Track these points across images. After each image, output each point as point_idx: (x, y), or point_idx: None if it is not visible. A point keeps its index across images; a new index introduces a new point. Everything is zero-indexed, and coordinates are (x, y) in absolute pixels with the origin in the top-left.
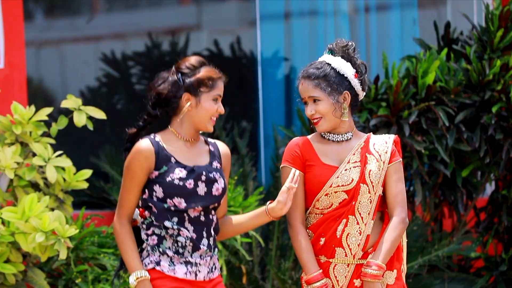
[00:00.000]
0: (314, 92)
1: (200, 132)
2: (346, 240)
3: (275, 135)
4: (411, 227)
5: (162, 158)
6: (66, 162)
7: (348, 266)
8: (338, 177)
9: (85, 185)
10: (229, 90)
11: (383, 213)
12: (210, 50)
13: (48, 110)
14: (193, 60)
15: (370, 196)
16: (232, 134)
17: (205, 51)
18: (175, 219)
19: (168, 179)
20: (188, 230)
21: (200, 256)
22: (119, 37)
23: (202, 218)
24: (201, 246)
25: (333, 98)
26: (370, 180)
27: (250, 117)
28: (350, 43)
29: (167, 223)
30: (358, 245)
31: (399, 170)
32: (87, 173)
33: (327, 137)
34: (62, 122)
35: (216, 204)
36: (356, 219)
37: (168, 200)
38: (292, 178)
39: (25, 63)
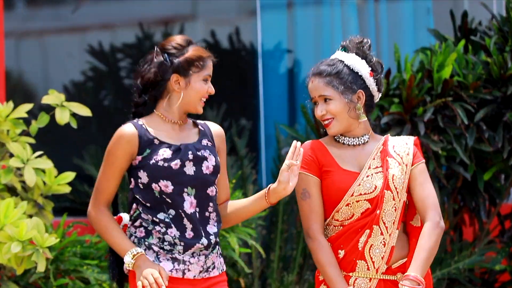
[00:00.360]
0: (326, 91)
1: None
2: (369, 253)
3: (277, 134)
4: None
5: (145, 142)
6: (47, 163)
7: (370, 281)
8: (360, 184)
9: (67, 190)
10: (227, 85)
11: (405, 224)
12: (206, 42)
13: (28, 106)
14: (179, 39)
15: (394, 204)
16: (230, 133)
17: (201, 43)
18: (173, 212)
19: (152, 161)
20: (182, 229)
21: (193, 254)
22: (107, 28)
23: (198, 216)
24: (197, 244)
25: (346, 97)
26: (394, 185)
27: (249, 114)
28: (365, 40)
29: (161, 216)
30: (382, 257)
31: (424, 171)
32: (69, 176)
33: (342, 141)
34: (43, 119)
35: (211, 188)
36: (381, 229)
37: (154, 185)
38: (293, 153)
39: (3, 55)
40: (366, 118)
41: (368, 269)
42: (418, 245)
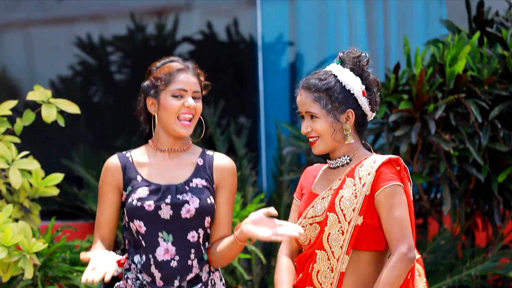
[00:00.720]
0: (312, 107)
1: (190, 140)
2: (317, 279)
3: (278, 133)
4: (438, 242)
5: (129, 176)
6: (33, 164)
7: None
8: (313, 206)
9: (55, 192)
10: (225, 81)
11: (376, 254)
12: (202, 34)
13: (12, 103)
14: (160, 61)
15: (341, 227)
16: (228, 132)
17: (196, 35)
18: (139, 258)
19: (129, 199)
20: (152, 277)
21: None
22: (97, 19)
23: (174, 264)
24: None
25: (333, 117)
26: (340, 207)
27: (249, 112)
28: (363, 54)
29: (136, 258)
30: (331, 284)
31: (391, 195)
32: (57, 177)
33: (328, 162)
34: (29, 117)
35: (192, 233)
36: (327, 254)
37: (131, 224)
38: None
39: None
40: (353, 140)
41: None
42: (378, 279)
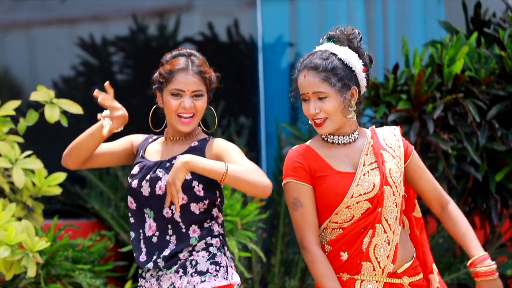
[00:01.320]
0: (321, 87)
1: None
2: (374, 253)
3: (278, 132)
4: (436, 240)
5: (139, 149)
6: (36, 163)
7: (377, 283)
8: (358, 184)
9: (58, 191)
10: (226, 81)
11: (404, 221)
12: (203, 35)
13: (15, 103)
14: (173, 52)
15: (395, 199)
16: (228, 132)
17: (197, 36)
18: (133, 234)
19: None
20: (139, 252)
21: (151, 275)
22: (99, 19)
23: (155, 239)
24: (146, 267)
25: (342, 95)
26: (393, 180)
27: (249, 112)
28: (356, 31)
29: (132, 234)
30: (387, 256)
31: (418, 159)
32: (60, 176)
33: (331, 140)
34: (32, 117)
35: (166, 210)
36: (384, 227)
37: (128, 199)
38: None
39: None
40: (355, 115)
41: (374, 269)
42: (460, 227)
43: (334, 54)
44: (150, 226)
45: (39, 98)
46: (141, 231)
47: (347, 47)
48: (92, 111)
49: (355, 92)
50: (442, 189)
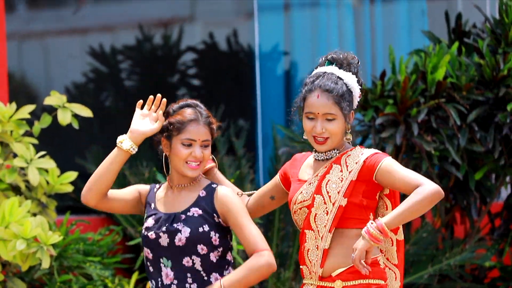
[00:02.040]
0: (332, 110)
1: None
2: (308, 257)
3: (274, 134)
4: (420, 234)
5: (148, 201)
6: (50, 163)
7: (311, 286)
8: (301, 192)
9: (70, 189)
10: (225, 87)
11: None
12: (204, 44)
13: (31, 107)
14: (180, 102)
15: (326, 207)
16: (228, 134)
17: (199, 45)
18: (152, 283)
19: (142, 229)
20: None
21: None
22: (108, 29)
23: (174, 287)
24: None
25: (345, 118)
26: (326, 190)
27: (247, 115)
28: (356, 59)
29: (151, 283)
30: (317, 261)
31: (392, 165)
32: (72, 175)
33: (315, 157)
34: (46, 120)
35: (186, 259)
36: (314, 233)
37: (144, 251)
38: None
39: (6, 57)
40: (351, 137)
41: (310, 273)
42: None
43: (340, 79)
44: (167, 275)
45: (52, 102)
46: (158, 279)
47: (349, 72)
48: (101, 114)
49: (352, 115)
50: (417, 179)
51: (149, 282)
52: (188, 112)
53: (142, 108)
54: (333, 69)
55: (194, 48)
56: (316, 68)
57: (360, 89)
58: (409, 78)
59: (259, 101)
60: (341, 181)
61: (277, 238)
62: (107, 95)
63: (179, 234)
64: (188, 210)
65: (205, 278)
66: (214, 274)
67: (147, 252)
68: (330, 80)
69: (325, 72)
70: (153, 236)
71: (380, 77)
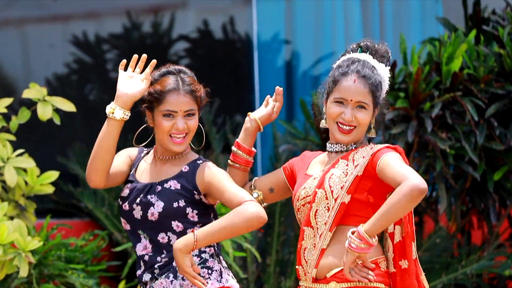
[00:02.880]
0: (366, 98)
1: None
2: (304, 256)
3: (274, 131)
4: (433, 240)
5: (131, 170)
6: (29, 162)
7: None
8: (304, 187)
9: (50, 190)
10: (221, 79)
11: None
12: (198, 32)
13: (8, 101)
14: (162, 69)
15: (328, 203)
16: (224, 130)
17: (192, 33)
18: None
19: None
20: (139, 266)
21: (145, 284)
22: (92, 16)
23: (146, 258)
24: (144, 280)
25: (374, 111)
26: (329, 184)
27: (245, 110)
28: (390, 52)
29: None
30: (312, 260)
31: (394, 157)
32: (53, 175)
33: (329, 149)
34: (24, 115)
35: (161, 235)
36: (314, 231)
37: (121, 220)
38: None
39: None
40: (374, 135)
41: (305, 274)
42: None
43: (375, 68)
44: (146, 247)
45: (31, 95)
46: (136, 249)
47: (382, 64)
48: (85, 108)
49: (377, 110)
50: (403, 175)
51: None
52: (168, 81)
53: (126, 69)
54: (367, 57)
55: (187, 36)
56: (344, 54)
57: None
58: (422, 69)
59: (257, 94)
60: (346, 175)
61: (277, 243)
62: (92, 87)
63: (151, 208)
64: (166, 181)
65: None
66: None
67: (124, 223)
68: (367, 67)
69: (361, 59)
70: (127, 207)
71: (390, 68)
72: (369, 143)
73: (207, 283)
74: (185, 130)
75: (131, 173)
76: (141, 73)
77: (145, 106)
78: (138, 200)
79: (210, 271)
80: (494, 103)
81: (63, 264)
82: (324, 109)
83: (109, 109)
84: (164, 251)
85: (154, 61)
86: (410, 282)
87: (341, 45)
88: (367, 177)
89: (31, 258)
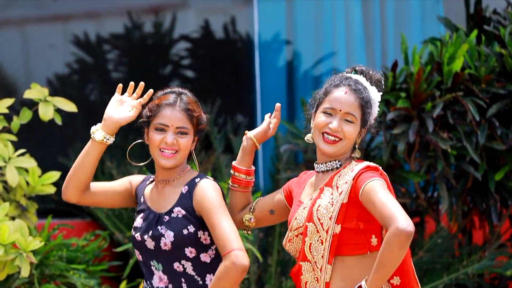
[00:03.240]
0: (356, 111)
1: (185, 168)
2: None
3: None
4: (435, 240)
5: (136, 195)
6: (30, 162)
7: None
8: (296, 218)
9: (52, 190)
10: (222, 79)
11: (361, 258)
12: (199, 32)
13: (9, 101)
14: (166, 89)
15: (320, 236)
16: (225, 131)
17: (193, 33)
18: (147, 284)
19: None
20: None
21: None
22: (93, 16)
23: None
24: None
25: (360, 128)
26: (318, 217)
27: (246, 110)
28: (383, 81)
29: (145, 284)
30: None
31: (377, 186)
32: (54, 175)
33: (316, 168)
34: (25, 115)
35: (177, 264)
36: (311, 265)
37: (135, 251)
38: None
39: None
40: (358, 155)
41: None
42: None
43: (367, 89)
44: (161, 279)
45: (33, 96)
46: (149, 282)
47: (375, 88)
48: (86, 109)
49: (364, 131)
50: (388, 216)
51: (143, 281)
52: (166, 98)
53: (123, 93)
54: (361, 78)
55: (188, 36)
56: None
57: (377, 111)
58: (423, 69)
59: (258, 94)
60: (332, 205)
61: (279, 243)
62: (93, 87)
63: (163, 238)
64: (171, 210)
65: (200, 282)
66: (209, 275)
67: (137, 254)
68: (359, 85)
69: (353, 77)
70: (139, 238)
71: (391, 68)
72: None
73: None
74: (174, 146)
75: (142, 201)
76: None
77: (142, 121)
78: (150, 232)
79: None
80: (496, 103)
81: (64, 264)
82: (311, 122)
83: (93, 129)
84: (182, 279)
85: (150, 91)
86: None
87: (342, 45)
88: (353, 204)
89: (32, 258)
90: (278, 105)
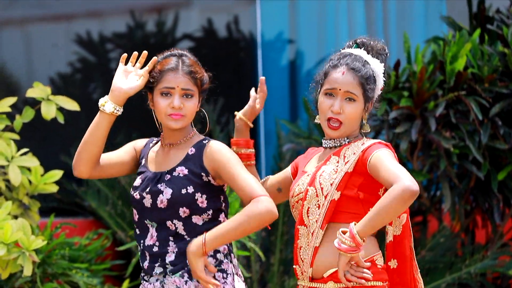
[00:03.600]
0: (355, 89)
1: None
2: (300, 256)
3: (277, 130)
4: (437, 239)
5: (140, 160)
6: (33, 161)
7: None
8: (298, 184)
9: (54, 189)
10: (225, 78)
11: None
12: (202, 31)
13: (11, 100)
14: (164, 53)
15: (318, 201)
16: (227, 129)
17: (196, 32)
18: (141, 244)
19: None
20: (144, 259)
21: (157, 279)
22: (96, 15)
23: (157, 249)
24: (153, 273)
25: (365, 105)
26: (319, 181)
27: None
28: (386, 50)
29: (138, 243)
30: (307, 259)
31: (385, 154)
32: (57, 174)
33: (324, 144)
34: (28, 114)
35: (169, 222)
36: (307, 229)
37: (133, 211)
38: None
39: None
40: (369, 129)
41: (302, 273)
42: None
43: (368, 63)
44: (152, 236)
45: (35, 95)
46: (142, 241)
47: (377, 60)
48: (89, 107)
49: (370, 106)
50: (394, 175)
51: (136, 241)
52: (168, 62)
53: (126, 63)
54: (361, 52)
55: (191, 35)
56: (342, 49)
57: (384, 81)
58: (426, 68)
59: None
60: (336, 172)
61: (281, 242)
62: (95, 86)
63: (160, 195)
64: (174, 169)
65: (186, 241)
66: (191, 234)
67: (134, 213)
68: (358, 61)
69: (353, 53)
70: (138, 196)
71: (394, 67)
72: (363, 137)
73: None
74: (180, 108)
75: (142, 164)
76: (142, 68)
77: (148, 88)
78: (148, 189)
79: (225, 275)
80: (498, 102)
81: (67, 263)
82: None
83: (101, 101)
84: (171, 238)
85: (155, 58)
86: (400, 280)
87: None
88: (358, 174)
89: (35, 257)
90: (262, 78)
